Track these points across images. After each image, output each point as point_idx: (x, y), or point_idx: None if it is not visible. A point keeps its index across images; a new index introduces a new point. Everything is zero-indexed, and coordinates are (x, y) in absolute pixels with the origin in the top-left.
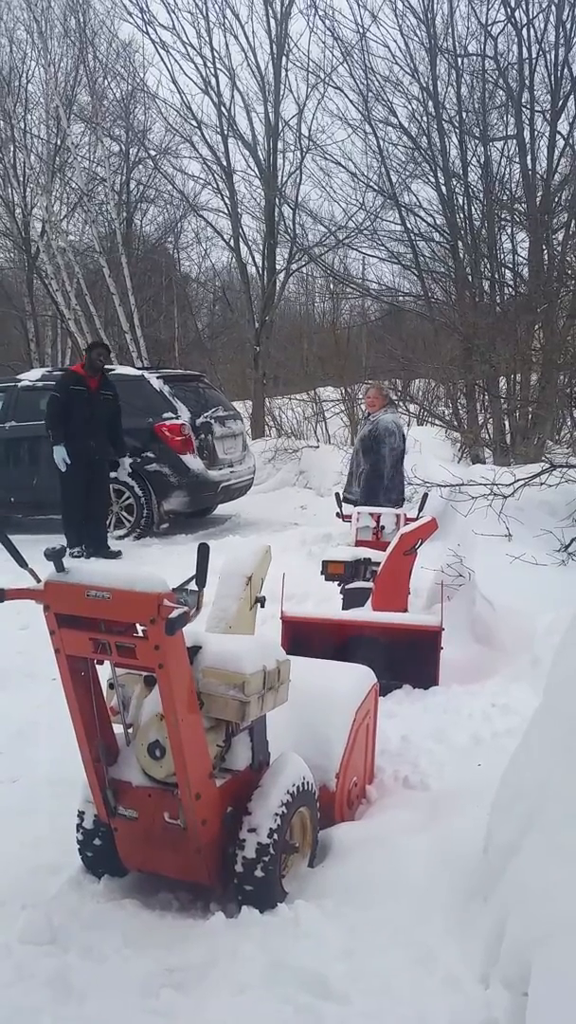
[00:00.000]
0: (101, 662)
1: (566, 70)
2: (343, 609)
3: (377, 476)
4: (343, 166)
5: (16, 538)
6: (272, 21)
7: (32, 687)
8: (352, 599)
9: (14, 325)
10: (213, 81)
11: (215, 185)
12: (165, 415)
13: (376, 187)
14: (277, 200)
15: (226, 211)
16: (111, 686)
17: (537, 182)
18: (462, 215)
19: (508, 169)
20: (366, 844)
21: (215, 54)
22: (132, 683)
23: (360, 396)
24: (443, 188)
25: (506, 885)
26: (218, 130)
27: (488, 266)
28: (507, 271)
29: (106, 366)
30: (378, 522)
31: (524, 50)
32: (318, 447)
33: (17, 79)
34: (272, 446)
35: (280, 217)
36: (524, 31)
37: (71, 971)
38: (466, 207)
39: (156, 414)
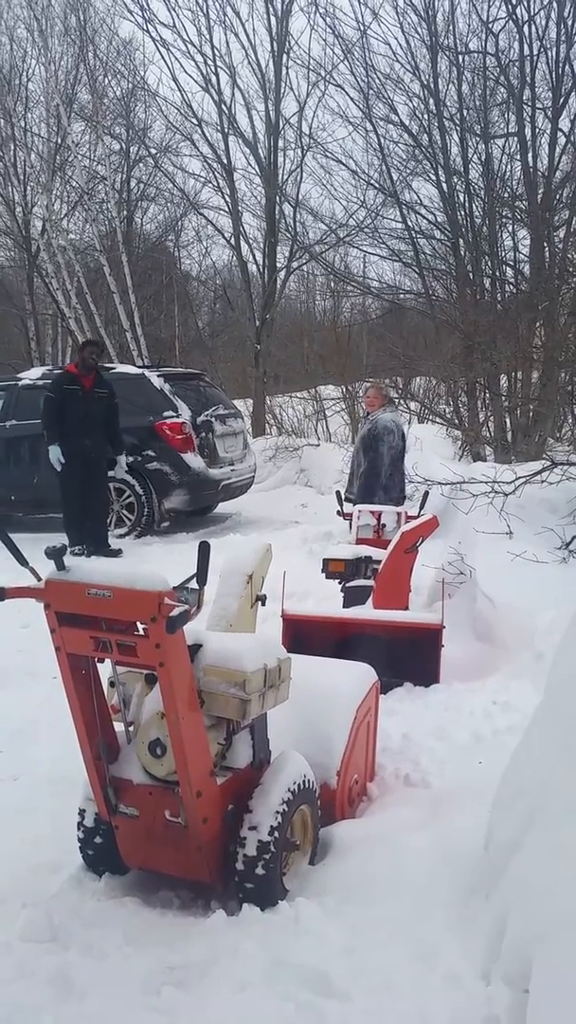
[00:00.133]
0: (102, 660)
1: (567, 67)
2: (344, 607)
3: (374, 474)
4: (344, 164)
5: (17, 537)
6: (273, 19)
7: (33, 685)
8: (353, 597)
9: (14, 324)
10: (213, 79)
11: (216, 183)
12: (166, 413)
13: (377, 185)
14: (278, 198)
15: (227, 209)
16: (112, 684)
17: (538, 179)
18: (463, 212)
19: (509, 166)
20: (367, 842)
21: (215, 52)
22: (133, 681)
23: (361, 395)
24: (444, 185)
25: (507, 882)
26: (218, 128)
27: (489, 264)
28: (508, 268)
29: (105, 364)
30: (379, 520)
31: (525, 47)
32: (319, 445)
33: (17, 77)
34: (273, 444)
35: (281, 215)
36: (525, 28)
37: (72, 969)
38: (467, 204)
39: (157, 412)
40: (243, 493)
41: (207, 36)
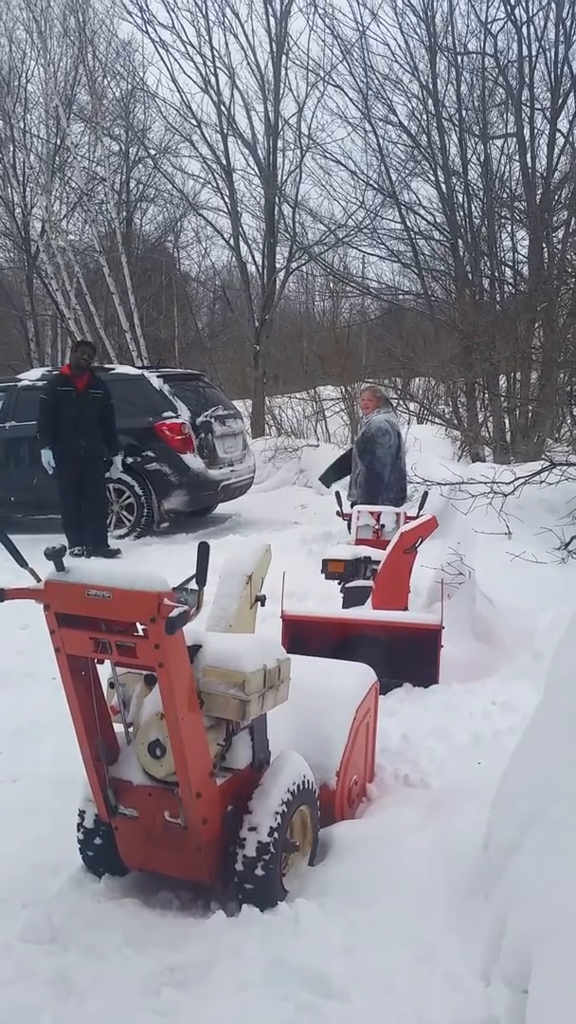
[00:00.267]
0: (101, 661)
1: (566, 68)
2: (343, 607)
3: (374, 476)
4: (343, 164)
5: (16, 538)
6: (272, 19)
7: (32, 686)
8: (352, 597)
9: (14, 325)
10: (213, 80)
11: (215, 184)
12: (165, 414)
13: (376, 185)
14: (277, 199)
15: (226, 210)
16: (111, 685)
17: (537, 180)
18: (462, 213)
19: (508, 167)
20: (367, 842)
21: (215, 53)
22: (132, 682)
23: (358, 396)
24: (443, 186)
25: (507, 883)
26: (218, 129)
27: (488, 264)
28: (507, 269)
29: (104, 365)
30: (378, 520)
31: (524, 48)
32: (318, 446)
33: (17, 79)
34: (272, 445)
35: (280, 216)
36: (524, 29)
37: (72, 970)
38: (466, 205)
39: (156, 413)
40: (242, 494)
41: (206, 37)
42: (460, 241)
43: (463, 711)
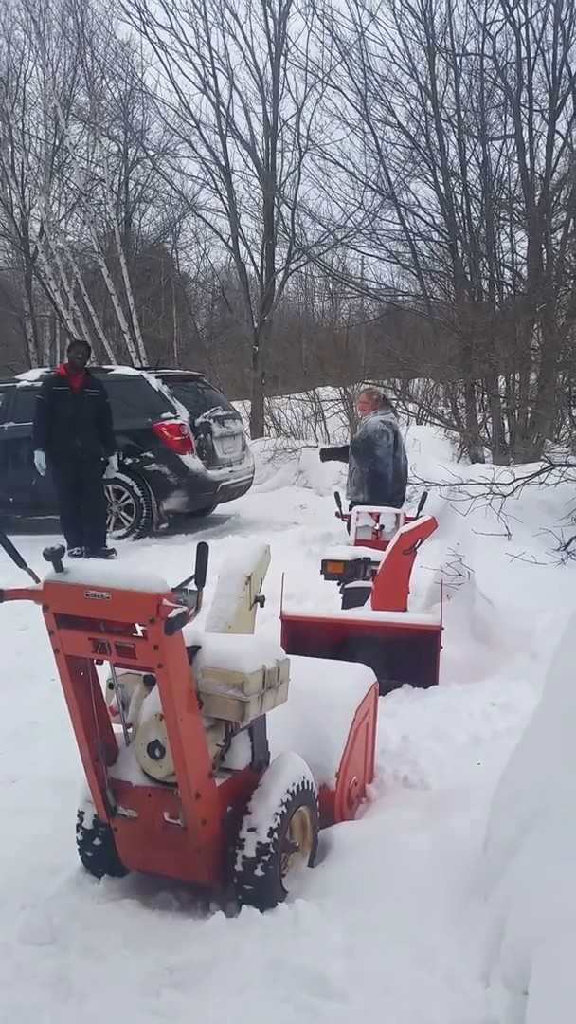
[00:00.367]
0: (100, 662)
1: (564, 69)
2: (343, 608)
3: (378, 477)
4: (342, 165)
5: (15, 538)
6: (270, 20)
7: (31, 688)
8: (352, 598)
9: (13, 326)
10: (211, 81)
11: (214, 185)
12: (164, 415)
13: (375, 186)
14: (276, 200)
15: (225, 211)
16: (110, 686)
17: (536, 181)
18: (461, 214)
19: (507, 168)
20: (366, 843)
21: (213, 54)
22: (131, 683)
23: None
24: (442, 187)
25: (506, 883)
26: (216, 130)
27: (487, 265)
28: (506, 270)
29: (103, 366)
30: (377, 521)
31: (522, 49)
32: (317, 447)
33: (15, 79)
34: (271, 446)
35: (279, 217)
36: (522, 30)
37: (71, 971)
38: (465, 206)
39: (155, 414)
40: (242, 494)
41: (205, 38)
42: (459, 242)
43: (462, 712)
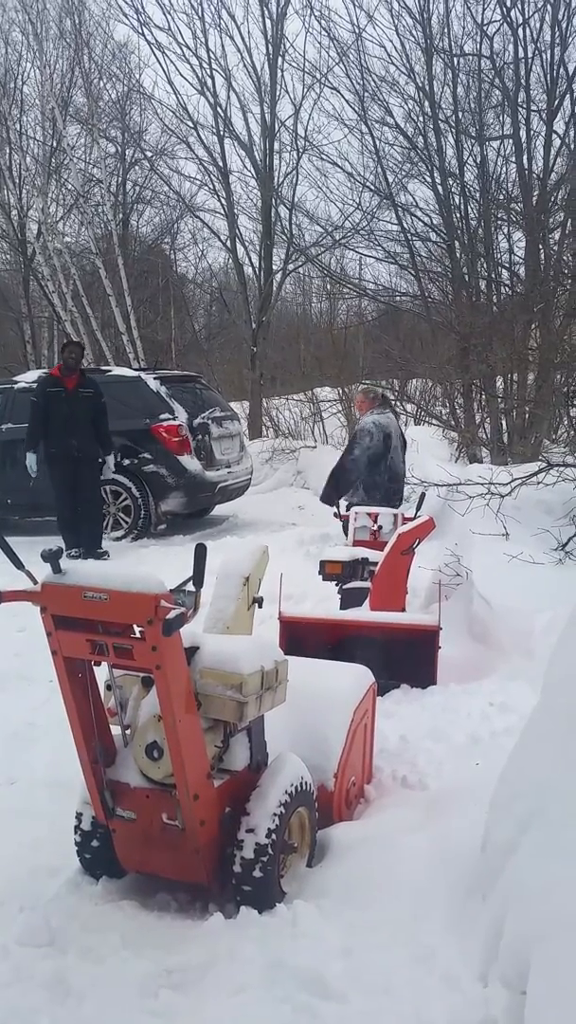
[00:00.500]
0: (98, 663)
1: (562, 69)
2: (341, 609)
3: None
4: (339, 166)
5: (13, 540)
6: (268, 21)
7: (29, 689)
8: (350, 599)
9: (10, 327)
10: (209, 82)
11: (211, 186)
12: (162, 416)
13: (372, 187)
14: (273, 200)
15: (222, 212)
16: (108, 687)
17: (533, 181)
18: (459, 215)
19: (504, 169)
20: (364, 844)
21: (211, 55)
22: (130, 684)
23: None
24: (439, 188)
25: (505, 883)
26: (214, 131)
27: (485, 266)
28: (504, 271)
29: (101, 367)
30: (375, 522)
31: (520, 50)
32: (315, 447)
33: (12, 81)
34: (270, 447)
35: (277, 217)
36: (520, 31)
37: (69, 972)
38: (463, 207)
39: (153, 415)
40: (240, 495)
41: (202, 39)
42: (457, 242)
43: (461, 712)
